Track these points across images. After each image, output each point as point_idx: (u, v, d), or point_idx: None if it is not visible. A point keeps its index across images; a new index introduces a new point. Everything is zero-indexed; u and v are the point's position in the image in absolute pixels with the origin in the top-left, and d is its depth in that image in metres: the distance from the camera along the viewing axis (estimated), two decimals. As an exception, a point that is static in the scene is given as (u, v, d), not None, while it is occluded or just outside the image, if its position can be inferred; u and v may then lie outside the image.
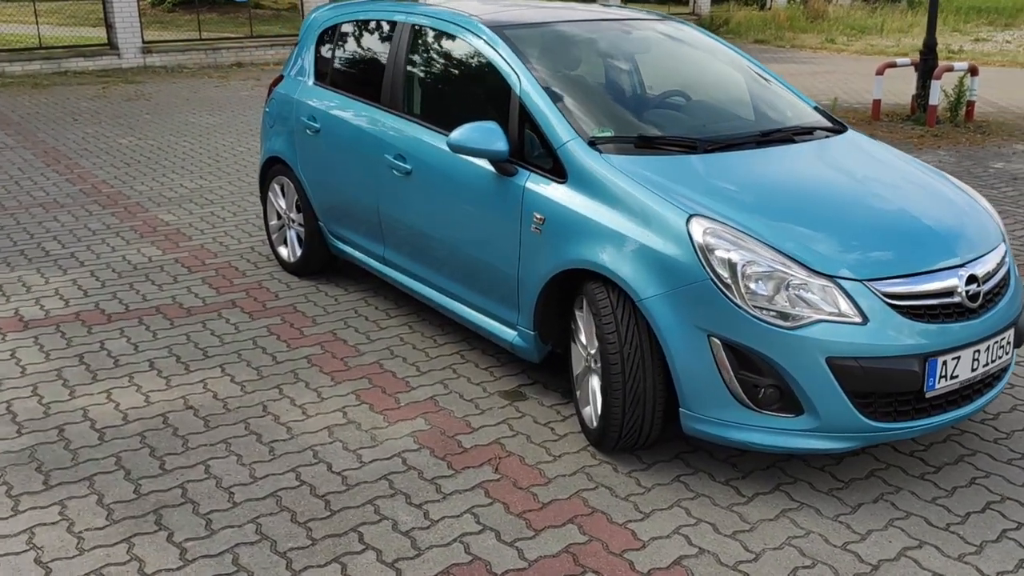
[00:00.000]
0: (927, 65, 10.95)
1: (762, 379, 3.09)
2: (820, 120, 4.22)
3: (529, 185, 3.68)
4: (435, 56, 4.47)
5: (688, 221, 3.20)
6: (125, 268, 5.61)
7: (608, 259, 3.33)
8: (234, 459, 3.50)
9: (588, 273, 3.46)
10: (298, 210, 5.35)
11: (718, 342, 3.10)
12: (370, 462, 3.48)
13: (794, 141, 3.89)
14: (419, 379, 4.17)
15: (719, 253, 3.12)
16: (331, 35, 5.17)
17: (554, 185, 3.60)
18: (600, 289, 3.38)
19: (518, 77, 3.85)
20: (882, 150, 4.07)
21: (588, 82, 4.20)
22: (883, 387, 3.07)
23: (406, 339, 4.60)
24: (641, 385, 3.28)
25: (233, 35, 17.64)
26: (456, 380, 4.16)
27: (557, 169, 3.62)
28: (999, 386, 3.46)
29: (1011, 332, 3.39)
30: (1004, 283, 3.44)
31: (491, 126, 3.74)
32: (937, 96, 10.60)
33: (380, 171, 4.49)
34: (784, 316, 3.04)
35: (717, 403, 3.15)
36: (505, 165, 3.77)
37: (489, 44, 4.05)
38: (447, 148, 4.01)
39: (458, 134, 3.76)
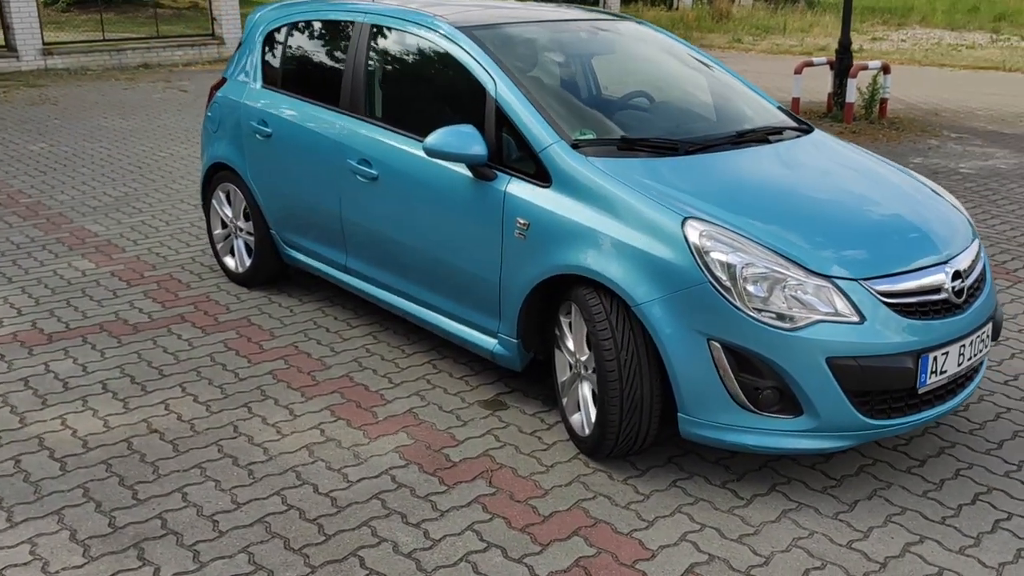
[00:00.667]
0: (843, 64, 11.25)
1: (763, 381, 3.07)
2: (786, 120, 4.25)
3: (510, 190, 3.59)
4: (399, 58, 4.34)
5: (683, 224, 3.16)
6: (58, 284, 5.30)
7: (600, 264, 3.27)
8: (212, 484, 3.31)
9: (577, 278, 3.40)
10: (246, 218, 5.14)
11: (718, 345, 3.07)
12: (357, 481, 3.34)
13: (768, 141, 3.90)
14: (393, 391, 4.04)
15: (716, 256, 3.09)
16: (279, 36, 4.97)
17: (537, 189, 3.52)
18: (592, 294, 3.32)
19: (493, 80, 3.75)
20: (851, 150, 4.12)
21: (559, 84, 4.13)
22: (880, 385, 3.09)
23: (372, 350, 4.46)
24: (638, 391, 3.23)
25: (138, 36, 17.00)
26: (432, 391, 4.05)
27: (540, 173, 3.54)
28: (977, 379, 3.53)
29: (989, 326, 3.46)
30: (982, 278, 3.51)
31: (468, 130, 3.64)
32: (853, 94, 10.91)
33: (342, 177, 4.33)
34: (784, 317, 3.03)
35: (716, 407, 3.13)
36: (483, 170, 3.67)
37: (458, 45, 3.94)
38: (417, 152, 3.92)
39: (434, 138, 3.65)
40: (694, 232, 3.14)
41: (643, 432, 3.31)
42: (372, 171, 4.15)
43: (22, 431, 3.65)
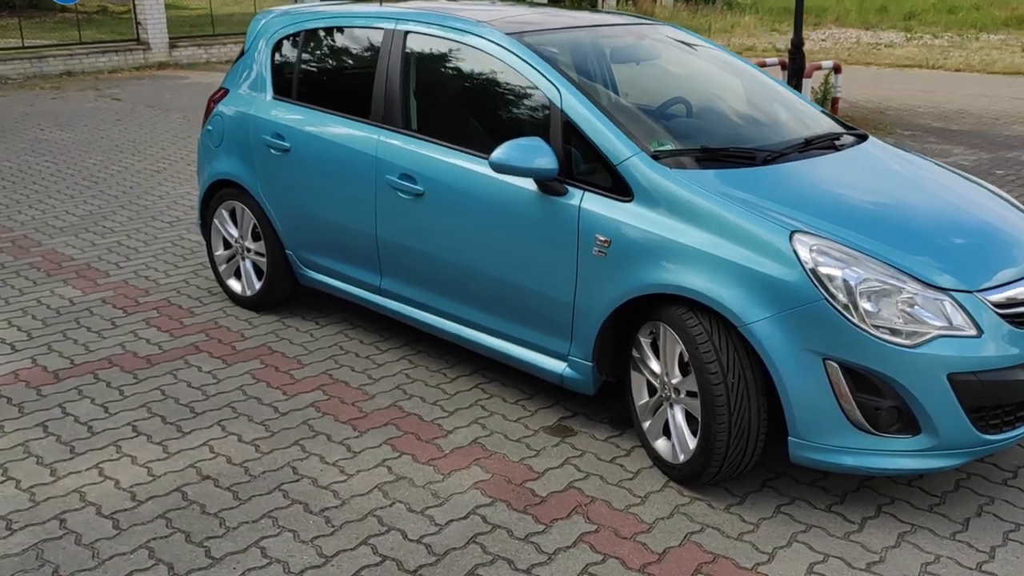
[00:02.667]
0: (796, 64, 11.34)
1: (883, 401, 2.95)
2: (835, 125, 4.13)
3: (586, 205, 3.40)
4: (444, 67, 4.09)
5: (791, 238, 3.02)
6: (47, 314, 4.88)
7: (700, 282, 3.10)
8: (289, 536, 3.03)
9: (666, 297, 3.22)
10: (255, 238, 4.81)
11: (835, 365, 2.93)
12: (447, 524, 3.10)
13: (835, 148, 3.79)
14: (449, 420, 3.80)
15: (830, 271, 2.95)
16: (292, 44, 4.66)
17: (617, 204, 3.34)
18: (688, 314, 3.14)
19: (557, 90, 3.54)
20: (915, 156, 4.03)
21: (621, 92, 3.95)
22: (997, 399, 3.00)
23: (412, 375, 4.20)
24: (746, 415, 3.07)
25: (61, 42, 16.16)
26: (490, 418, 3.82)
27: (617, 186, 3.35)
28: None
29: None
30: None
31: (537, 143, 3.43)
32: (809, 93, 11.01)
33: (378, 194, 4.07)
34: (904, 334, 2.91)
35: (832, 429, 2.99)
36: (554, 184, 3.47)
37: (513, 53, 3.72)
38: (471, 167, 3.70)
39: (502, 153, 3.43)
40: (803, 247, 3.00)
41: (748, 457, 3.16)
42: (417, 187, 3.90)
43: (57, 485, 3.30)
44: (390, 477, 3.38)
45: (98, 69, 15.14)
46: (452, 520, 3.12)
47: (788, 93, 4.31)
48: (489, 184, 3.65)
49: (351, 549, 2.96)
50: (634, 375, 3.51)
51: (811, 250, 2.99)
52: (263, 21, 4.83)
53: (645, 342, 3.40)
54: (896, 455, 3.00)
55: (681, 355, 3.17)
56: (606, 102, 3.57)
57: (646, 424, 3.48)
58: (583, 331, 3.49)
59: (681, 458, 3.29)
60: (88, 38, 16.48)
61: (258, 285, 4.85)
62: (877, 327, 2.91)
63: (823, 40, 23.08)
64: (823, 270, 2.96)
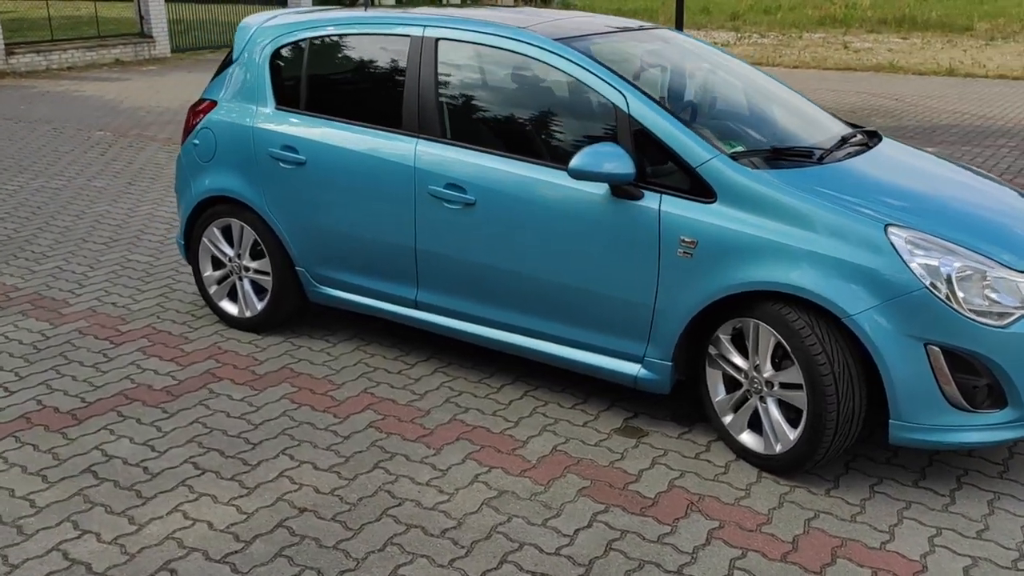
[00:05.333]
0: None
1: (979, 379, 3.16)
2: (844, 126, 4.35)
3: (666, 208, 3.45)
4: (488, 75, 4.02)
5: (885, 230, 3.18)
6: (24, 350, 4.46)
7: (800, 278, 3.21)
8: (425, 562, 2.92)
9: (759, 294, 3.32)
10: (253, 257, 4.58)
11: (937, 349, 3.12)
12: (574, 534, 3.08)
13: (868, 147, 3.99)
14: (518, 430, 3.76)
15: (928, 260, 3.13)
16: (294, 52, 4.44)
17: (701, 205, 3.41)
18: (787, 310, 3.25)
19: (623, 95, 3.57)
20: (924, 151, 4.30)
21: (674, 95, 4.01)
22: (1066, 371, 3.27)
23: (455, 388, 4.12)
24: (851, 402, 3.22)
25: None
26: (556, 425, 3.81)
27: (699, 188, 3.42)
28: None
29: None
30: None
31: (615, 148, 3.45)
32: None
33: (418, 205, 3.96)
34: (995, 315, 3.13)
35: (931, 409, 3.17)
36: (630, 188, 3.50)
37: (568, 60, 3.71)
38: (531, 175, 3.69)
39: (582, 160, 3.43)
40: (899, 239, 3.17)
41: (850, 442, 3.30)
42: (467, 196, 3.83)
43: (144, 534, 3.04)
44: (491, 492, 3.32)
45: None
46: (578, 529, 3.11)
47: (794, 94, 4.51)
48: (555, 191, 3.64)
49: (495, 569, 2.90)
50: (710, 371, 3.59)
51: (907, 241, 3.16)
52: (254, 28, 4.59)
53: (725, 338, 3.49)
54: (989, 429, 3.21)
55: (789, 350, 3.27)
56: (674, 105, 3.62)
57: (727, 419, 3.57)
58: (663, 332, 3.54)
59: (778, 448, 3.39)
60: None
61: (259, 305, 4.61)
62: (974, 311, 3.11)
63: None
64: (921, 260, 3.13)
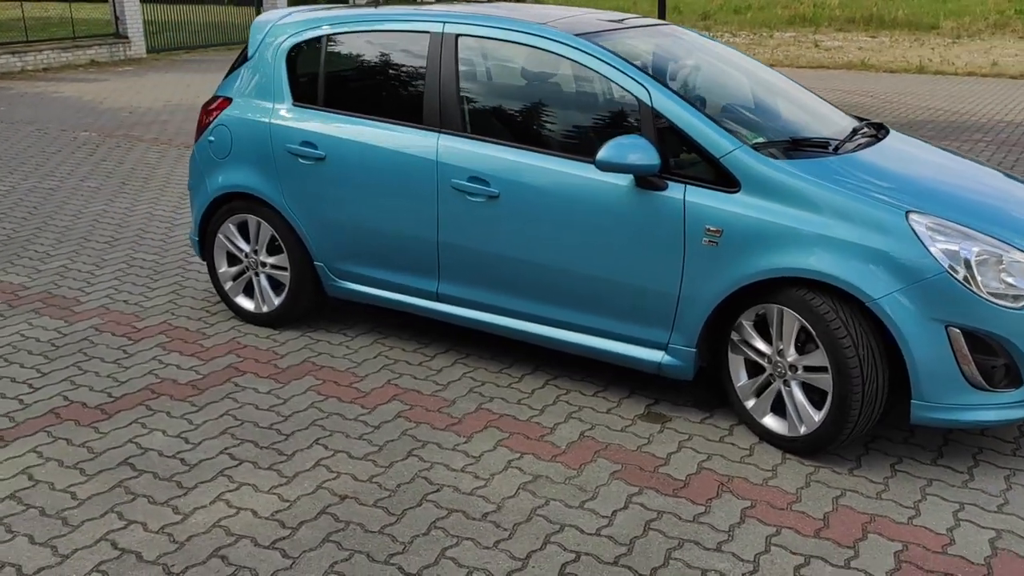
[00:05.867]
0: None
1: (997, 359, 3.28)
2: (846, 116, 4.48)
3: (691, 198, 3.54)
4: (509, 70, 4.09)
5: (907, 217, 3.30)
6: (43, 348, 4.47)
7: (825, 263, 3.32)
8: (471, 544, 2.99)
9: (782, 280, 3.42)
10: (270, 252, 4.62)
11: (957, 331, 3.24)
12: (612, 515, 3.16)
13: (878, 139, 4.11)
14: (544, 418, 3.84)
15: (948, 246, 3.25)
16: (311, 49, 4.49)
17: (726, 195, 3.50)
18: (811, 295, 3.36)
19: (646, 89, 3.66)
20: (928, 143, 4.43)
21: (691, 89, 4.11)
22: (1072, 349, 3.41)
23: (477, 378, 4.19)
24: (874, 384, 3.33)
25: None
26: (581, 412, 3.89)
27: (723, 178, 3.52)
28: None
29: None
30: None
31: (640, 140, 3.54)
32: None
33: (440, 198, 4.03)
34: (1012, 297, 3.26)
35: (952, 389, 3.29)
36: (655, 179, 3.59)
37: (590, 55, 3.79)
38: (554, 167, 3.77)
39: (609, 152, 3.52)
40: (919, 224, 3.28)
41: (872, 423, 3.42)
42: (491, 189, 3.90)
43: (190, 522, 3.08)
44: (526, 477, 3.39)
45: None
46: (616, 511, 3.19)
47: (801, 89, 4.63)
48: (580, 182, 3.72)
49: (539, 549, 2.97)
50: (732, 357, 3.69)
51: (927, 227, 3.28)
52: (269, 26, 4.63)
53: (748, 324, 3.59)
54: (1005, 407, 3.34)
55: (815, 335, 3.37)
56: (692, 98, 3.72)
57: (750, 403, 3.67)
58: (688, 319, 3.63)
59: (802, 430, 3.50)
60: None
61: (277, 300, 4.65)
62: (993, 293, 3.23)
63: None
64: (941, 245, 3.25)
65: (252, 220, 4.60)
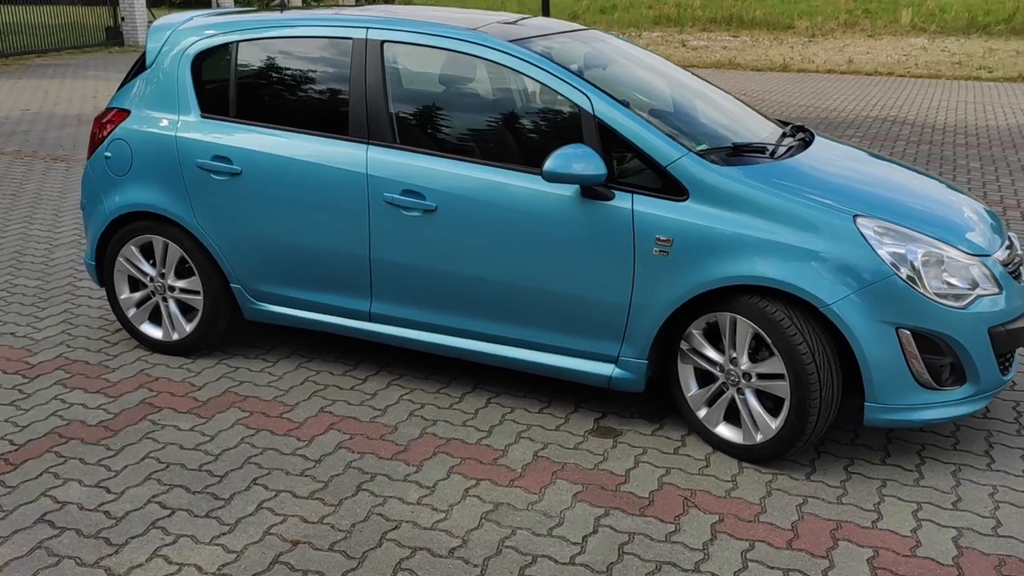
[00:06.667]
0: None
1: (944, 359, 3.33)
2: (775, 123, 4.48)
3: (639, 207, 3.46)
4: (441, 78, 3.90)
5: (854, 221, 3.31)
6: (-77, 391, 4.02)
7: (778, 270, 3.29)
8: (442, 585, 2.82)
9: (733, 288, 3.39)
10: (179, 275, 4.29)
11: (907, 332, 3.27)
12: (583, 541, 3.05)
13: (808, 143, 4.12)
14: (494, 439, 3.69)
15: (895, 248, 3.28)
16: (222, 57, 4.18)
17: (674, 203, 3.44)
18: (764, 302, 3.33)
19: (587, 96, 3.56)
20: (855, 148, 4.48)
21: (630, 95, 4.01)
22: (1013, 345, 3.50)
23: (416, 400, 4.01)
24: (830, 389, 3.33)
25: None
26: (530, 430, 3.76)
27: (670, 187, 3.45)
28: None
29: None
30: None
31: (587, 150, 3.43)
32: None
33: (372, 213, 3.82)
34: (956, 297, 3.31)
35: (902, 390, 3.33)
36: (601, 189, 3.49)
37: (526, 62, 3.65)
38: (495, 179, 3.65)
39: (556, 162, 3.40)
40: (867, 228, 3.30)
41: (826, 428, 3.42)
42: (428, 203, 3.72)
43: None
44: (487, 506, 3.24)
45: None
46: (586, 536, 3.07)
47: (722, 93, 4.63)
48: (522, 193, 3.59)
49: (515, 585, 2.83)
50: (682, 367, 3.64)
51: (875, 231, 3.30)
52: (170, 32, 4.28)
53: (698, 333, 3.54)
54: (951, 405, 3.40)
55: (769, 342, 3.34)
56: (633, 106, 3.64)
57: (702, 413, 3.62)
58: (639, 330, 3.55)
59: (759, 438, 3.47)
60: None
61: (188, 327, 4.33)
62: (939, 294, 3.28)
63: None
64: (889, 248, 3.28)
65: (158, 241, 4.27)
